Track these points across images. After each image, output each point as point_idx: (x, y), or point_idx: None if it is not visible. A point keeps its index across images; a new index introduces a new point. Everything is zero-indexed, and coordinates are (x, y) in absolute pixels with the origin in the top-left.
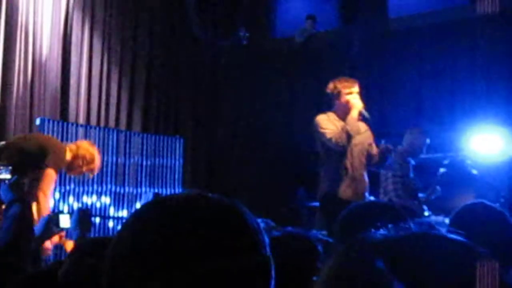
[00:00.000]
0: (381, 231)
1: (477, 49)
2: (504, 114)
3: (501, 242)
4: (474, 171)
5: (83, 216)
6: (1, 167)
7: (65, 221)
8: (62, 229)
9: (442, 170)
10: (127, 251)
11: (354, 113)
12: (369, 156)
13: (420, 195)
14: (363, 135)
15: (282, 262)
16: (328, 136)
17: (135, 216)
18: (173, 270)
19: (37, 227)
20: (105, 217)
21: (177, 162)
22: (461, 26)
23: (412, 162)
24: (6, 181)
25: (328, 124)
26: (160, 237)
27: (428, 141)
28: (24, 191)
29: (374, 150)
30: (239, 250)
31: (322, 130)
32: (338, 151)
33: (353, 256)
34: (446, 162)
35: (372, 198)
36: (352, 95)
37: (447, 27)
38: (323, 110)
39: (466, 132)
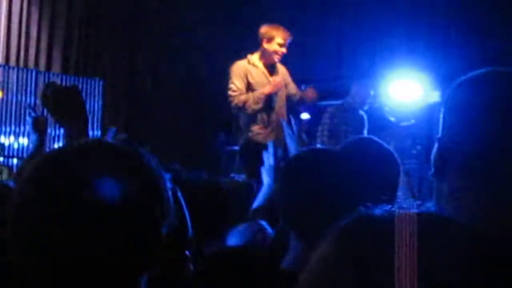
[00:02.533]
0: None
1: None
2: (424, 60)
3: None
4: (392, 118)
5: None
6: None
7: None
8: None
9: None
10: (29, 198)
11: (266, 89)
12: (288, 96)
13: None
14: (282, 88)
15: (191, 205)
16: (230, 92)
17: (34, 168)
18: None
19: None
20: (23, 158)
21: (96, 104)
22: None
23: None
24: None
25: (238, 79)
26: (56, 186)
27: (372, 93)
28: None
29: (293, 89)
30: (137, 194)
31: (229, 83)
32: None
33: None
34: (365, 108)
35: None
36: (282, 49)
37: None
38: (243, 56)
39: (385, 79)
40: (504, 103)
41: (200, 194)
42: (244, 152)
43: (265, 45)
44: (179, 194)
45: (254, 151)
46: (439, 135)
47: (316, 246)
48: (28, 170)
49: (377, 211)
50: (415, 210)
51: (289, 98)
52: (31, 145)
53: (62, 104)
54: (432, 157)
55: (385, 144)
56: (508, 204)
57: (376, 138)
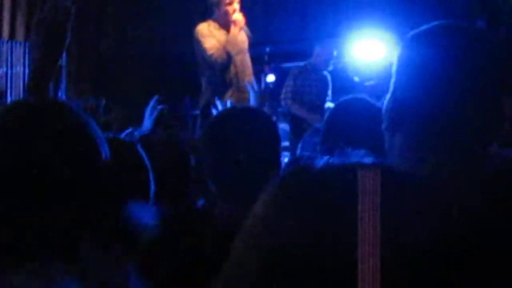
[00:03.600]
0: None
1: None
2: (387, 19)
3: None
4: (356, 78)
5: None
6: None
7: None
8: None
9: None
10: None
11: (234, 31)
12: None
13: None
14: (244, 51)
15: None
16: (209, 52)
17: None
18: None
19: None
20: None
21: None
22: None
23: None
24: None
25: (209, 38)
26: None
27: (335, 53)
28: None
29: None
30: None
31: (203, 45)
32: (218, 66)
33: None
34: (329, 69)
35: None
36: (232, 6)
37: None
38: (204, 18)
39: (348, 39)
40: (458, 58)
41: (162, 154)
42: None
43: (217, 11)
44: (140, 150)
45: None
46: (392, 89)
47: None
48: None
49: (319, 162)
50: (370, 163)
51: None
52: None
53: None
54: (384, 111)
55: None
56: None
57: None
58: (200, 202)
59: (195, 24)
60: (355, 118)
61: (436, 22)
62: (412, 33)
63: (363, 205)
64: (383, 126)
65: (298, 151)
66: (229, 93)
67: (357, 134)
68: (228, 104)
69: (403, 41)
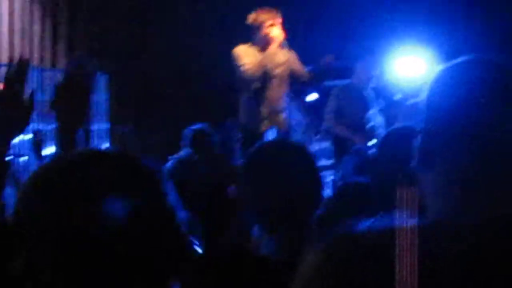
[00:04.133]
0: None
1: None
2: (428, 35)
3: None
4: (398, 96)
5: None
6: None
7: None
8: None
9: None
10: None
11: (273, 47)
12: (295, 78)
13: None
14: (282, 66)
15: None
16: (245, 68)
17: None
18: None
19: None
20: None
21: (102, 97)
22: None
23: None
24: None
25: (245, 56)
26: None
27: (377, 71)
28: None
29: (299, 70)
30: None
31: (238, 62)
32: (255, 84)
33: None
34: (371, 87)
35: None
36: (273, 28)
37: None
38: (244, 41)
39: (389, 56)
40: (492, 92)
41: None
42: (242, 139)
43: (258, 34)
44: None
45: (251, 139)
46: (423, 124)
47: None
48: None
49: (360, 227)
50: (412, 222)
51: (296, 79)
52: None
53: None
54: (416, 148)
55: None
56: (498, 202)
57: None
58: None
59: (234, 45)
60: (405, 146)
61: (466, 56)
62: (442, 67)
63: (401, 264)
64: (414, 163)
65: (340, 172)
66: (263, 117)
67: (406, 162)
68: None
69: (433, 76)
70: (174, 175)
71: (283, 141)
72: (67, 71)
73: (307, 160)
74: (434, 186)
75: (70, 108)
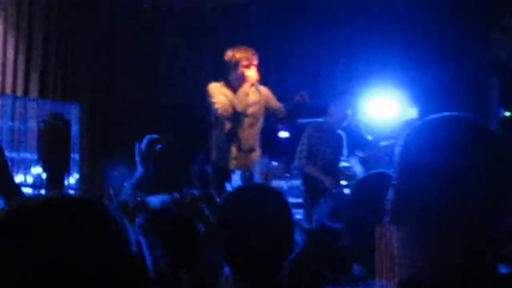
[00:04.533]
0: None
1: (375, 12)
2: (400, 77)
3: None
4: (369, 137)
5: None
6: None
7: None
8: None
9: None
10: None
11: (245, 87)
12: (271, 114)
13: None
14: (255, 106)
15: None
16: (215, 107)
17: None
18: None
19: None
20: None
21: (73, 128)
22: None
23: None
24: None
25: (217, 94)
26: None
27: (349, 112)
28: None
29: (276, 105)
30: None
31: (211, 100)
32: (226, 122)
33: None
34: (343, 127)
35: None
36: (249, 68)
37: None
38: (219, 78)
39: (362, 96)
40: (464, 151)
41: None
42: (212, 176)
43: (232, 72)
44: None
45: (222, 177)
46: (396, 178)
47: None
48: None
49: None
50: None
51: (273, 115)
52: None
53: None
54: (389, 201)
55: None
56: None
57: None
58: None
59: (208, 80)
60: (380, 193)
61: (441, 114)
62: (417, 123)
63: None
64: (386, 219)
65: (315, 216)
66: (233, 155)
67: (379, 207)
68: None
69: (408, 130)
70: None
71: (260, 186)
72: (47, 123)
73: (283, 207)
74: (407, 241)
75: (57, 157)
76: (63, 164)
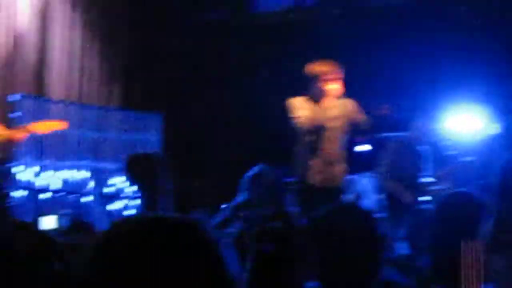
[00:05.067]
0: None
1: (459, 29)
2: (483, 93)
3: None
4: (453, 152)
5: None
6: None
7: (48, 222)
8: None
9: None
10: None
11: (326, 101)
12: (355, 125)
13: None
14: (337, 120)
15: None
16: (297, 122)
17: (95, 248)
18: None
19: None
20: (82, 193)
21: (155, 138)
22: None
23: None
24: None
25: (299, 109)
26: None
27: (432, 127)
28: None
29: (361, 119)
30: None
31: (292, 114)
32: (308, 137)
33: None
34: (426, 142)
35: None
36: (331, 82)
37: (426, 7)
38: (300, 91)
39: (444, 112)
40: None
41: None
42: (296, 190)
43: (314, 86)
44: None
45: (305, 192)
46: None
47: None
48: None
49: None
50: None
51: (357, 128)
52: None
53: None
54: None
55: None
56: None
57: None
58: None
59: (289, 93)
60: (463, 213)
61: None
62: None
63: None
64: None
65: (402, 231)
66: (316, 169)
67: (463, 227)
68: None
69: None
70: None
71: (351, 206)
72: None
73: (372, 227)
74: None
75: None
76: (155, 189)
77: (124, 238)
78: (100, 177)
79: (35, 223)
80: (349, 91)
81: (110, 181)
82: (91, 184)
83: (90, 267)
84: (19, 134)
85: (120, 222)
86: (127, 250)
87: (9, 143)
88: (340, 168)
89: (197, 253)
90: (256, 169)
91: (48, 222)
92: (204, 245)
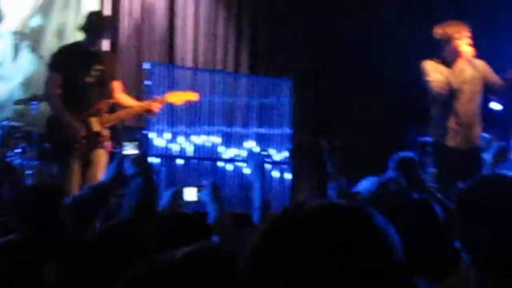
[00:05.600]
0: None
1: None
2: None
3: None
4: None
5: (216, 189)
6: (127, 143)
7: (190, 194)
8: (187, 202)
9: None
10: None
11: (461, 63)
12: (489, 87)
13: None
14: (471, 82)
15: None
16: (431, 85)
17: (265, 233)
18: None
19: (162, 200)
20: (215, 158)
21: (285, 102)
22: None
23: None
24: (131, 156)
25: (433, 72)
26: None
27: None
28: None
29: (493, 79)
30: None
31: (426, 78)
32: (444, 99)
33: None
34: None
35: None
36: (462, 41)
37: None
38: (434, 54)
39: None
40: None
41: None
42: (432, 153)
43: (445, 49)
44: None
45: (443, 154)
46: None
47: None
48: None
49: None
50: None
51: (491, 89)
52: None
53: None
54: None
55: None
56: None
57: None
58: None
59: (425, 53)
60: None
61: None
62: None
63: None
64: None
65: None
66: (452, 131)
67: None
68: None
69: None
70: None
71: (500, 176)
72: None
73: None
74: None
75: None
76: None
77: (299, 224)
78: (231, 141)
79: (178, 193)
80: (478, 50)
81: (242, 145)
82: (222, 148)
83: (257, 252)
84: (155, 106)
85: (292, 208)
86: (303, 236)
87: (145, 114)
88: (477, 130)
89: (369, 241)
90: (403, 154)
91: (190, 194)
92: (376, 233)
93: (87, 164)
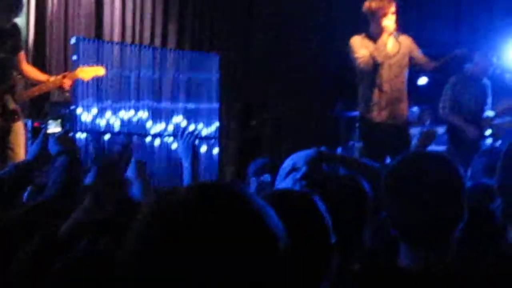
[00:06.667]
0: None
1: None
2: None
3: None
4: None
5: (140, 166)
6: (51, 121)
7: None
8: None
9: None
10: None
11: (384, 38)
12: (415, 64)
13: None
14: (396, 56)
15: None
16: (357, 61)
17: (150, 211)
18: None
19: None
20: (142, 134)
21: (213, 77)
22: None
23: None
24: (55, 134)
25: (359, 48)
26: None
27: (494, 60)
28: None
29: (419, 56)
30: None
31: (353, 54)
32: (369, 74)
33: None
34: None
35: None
36: (387, 16)
37: None
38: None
39: (506, 43)
40: None
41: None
42: (359, 127)
43: (372, 23)
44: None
45: (369, 129)
46: None
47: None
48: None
49: None
50: None
51: (417, 65)
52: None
53: None
54: None
55: None
56: None
57: None
58: None
59: (351, 28)
60: None
61: None
62: None
63: None
64: None
65: (468, 173)
66: (379, 106)
67: None
68: None
69: None
70: None
71: (426, 153)
72: None
73: (453, 174)
74: None
75: None
76: None
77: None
78: (160, 117)
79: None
80: (406, 26)
81: (170, 121)
82: (150, 123)
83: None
84: (66, 82)
85: (169, 192)
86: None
87: (57, 90)
88: (404, 105)
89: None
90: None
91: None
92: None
93: (6, 136)
